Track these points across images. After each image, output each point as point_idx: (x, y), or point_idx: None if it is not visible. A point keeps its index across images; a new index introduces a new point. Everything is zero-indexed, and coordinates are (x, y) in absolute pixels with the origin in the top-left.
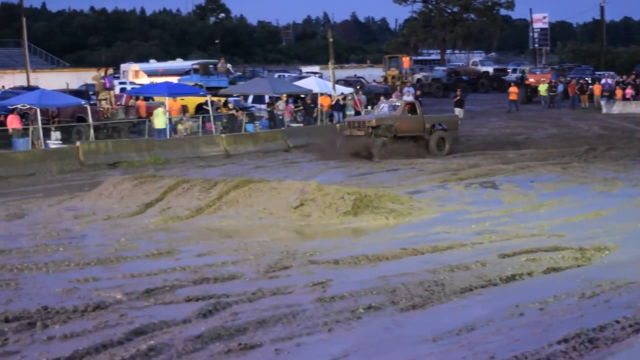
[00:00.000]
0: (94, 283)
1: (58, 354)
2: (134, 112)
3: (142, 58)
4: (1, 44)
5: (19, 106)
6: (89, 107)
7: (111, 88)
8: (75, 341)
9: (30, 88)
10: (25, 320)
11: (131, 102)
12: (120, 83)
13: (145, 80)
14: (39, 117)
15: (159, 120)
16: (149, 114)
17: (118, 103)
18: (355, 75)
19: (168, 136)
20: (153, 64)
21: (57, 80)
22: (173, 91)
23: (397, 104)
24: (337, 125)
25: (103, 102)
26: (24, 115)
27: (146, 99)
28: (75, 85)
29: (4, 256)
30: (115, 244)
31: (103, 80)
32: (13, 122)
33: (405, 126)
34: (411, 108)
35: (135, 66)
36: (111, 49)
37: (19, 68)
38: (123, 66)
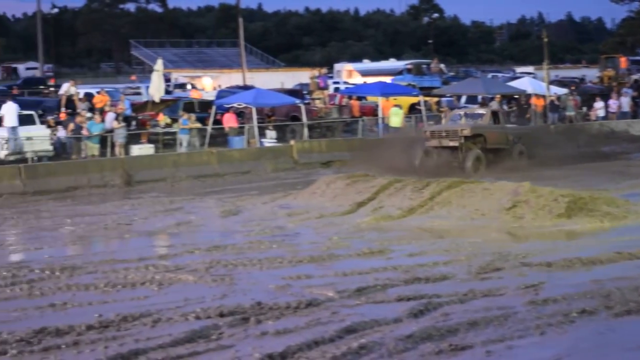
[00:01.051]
0: (306, 280)
1: (270, 350)
2: (347, 112)
3: (355, 58)
4: (218, 44)
5: (235, 105)
6: (303, 107)
7: (325, 88)
8: (287, 337)
9: (246, 87)
10: (239, 315)
11: (344, 101)
12: (334, 83)
13: (358, 79)
14: (255, 116)
15: (395, 119)
16: (362, 113)
17: (331, 102)
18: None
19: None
20: (366, 64)
21: (272, 80)
22: (386, 91)
23: (480, 112)
24: (551, 124)
25: (317, 102)
26: (240, 114)
27: (359, 98)
28: (289, 84)
29: (219, 252)
30: (327, 242)
31: (317, 80)
32: (229, 121)
33: (493, 137)
34: (494, 117)
35: (348, 66)
36: (325, 48)
37: (235, 68)
38: (337, 66)
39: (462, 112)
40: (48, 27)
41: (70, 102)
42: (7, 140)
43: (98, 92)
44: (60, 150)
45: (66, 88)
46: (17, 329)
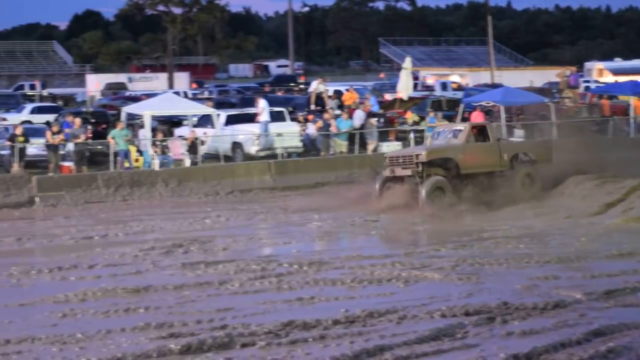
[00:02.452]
0: (553, 281)
1: (516, 350)
2: (597, 111)
3: (606, 56)
4: (467, 42)
5: (483, 103)
6: (552, 105)
7: (576, 86)
8: (533, 338)
9: (494, 85)
10: (485, 314)
11: (594, 100)
12: (585, 82)
13: (609, 78)
14: (502, 114)
15: None
16: (613, 112)
17: (582, 101)
18: None
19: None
20: (618, 63)
21: (520, 78)
22: (638, 90)
23: (459, 128)
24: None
25: (567, 101)
26: (488, 112)
27: (610, 97)
28: (538, 83)
29: (465, 250)
30: (575, 243)
31: (567, 78)
32: (477, 119)
33: (472, 159)
34: (479, 132)
35: (599, 64)
36: (575, 47)
37: (483, 66)
38: (587, 64)
39: (446, 128)
40: (299, 25)
41: (319, 100)
42: (258, 137)
43: (347, 90)
44: (310, 146)
45: (315, 85)
46: (266, 322)
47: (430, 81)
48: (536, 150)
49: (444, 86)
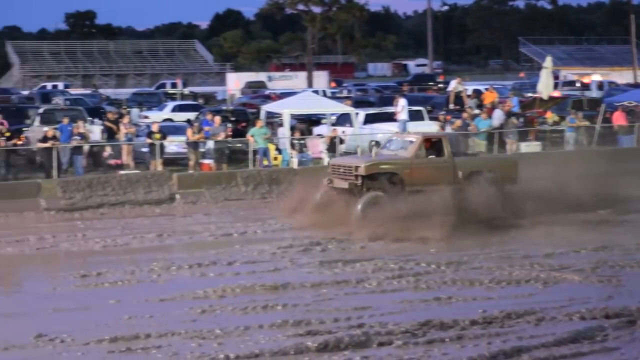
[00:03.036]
0: None
1: None
2: None
3: None
4: (608, 41)
5: (625, 103)
6: None
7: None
8: None
9: (637, 85)
10: (625, 317)
11: None
12: None
13: None
14: None
15: None
16: None
17: None
18: None
19: None
20: None
21: None
22: None
23: (410, 139)
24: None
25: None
26: (630, 112)
27: None
28: None
29: (606, 252)
30: None
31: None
32: (619, 119)
33: (420, 175)
34: (432, 146)
35: None
36: None
37: (625, 65)
38: None
39: (399, 138)
40: (438, 24)
41: (458, 99)
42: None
43: (486, 89)
44: None
45: (454, 85)
46: (403, 321)
47: (585, 80)
48: (500, 168)
49: (600, 86)
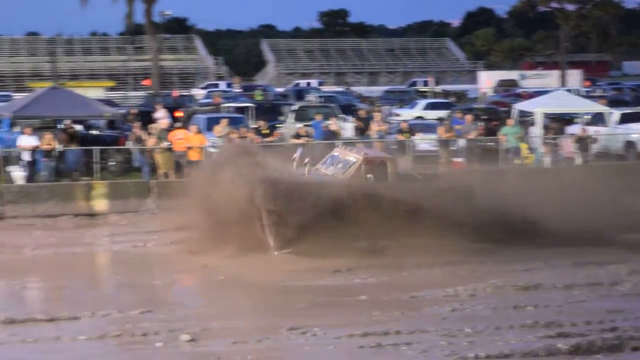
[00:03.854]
0: None
1: None
2: None
3: None
4: None
5: None
6: None
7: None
8: None
9: None
10: None
11: None
12: None
13: None
14: None
15: None
16: None
17: None
18: None
19: None
20: None
21: None
22: None
23: (351, 159)
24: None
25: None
26: None
27: None
28: None
29: None
30: None
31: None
32: None
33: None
34: (375, 168)
35: None
36: None
37: None
38: None
39: (336, 155)
40: None
41: None
42: None
43: None
44: None
45: None
46: None
47: None
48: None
49: None
